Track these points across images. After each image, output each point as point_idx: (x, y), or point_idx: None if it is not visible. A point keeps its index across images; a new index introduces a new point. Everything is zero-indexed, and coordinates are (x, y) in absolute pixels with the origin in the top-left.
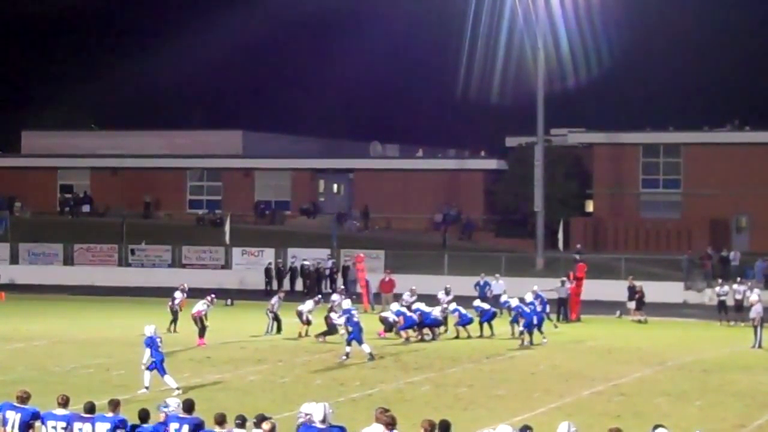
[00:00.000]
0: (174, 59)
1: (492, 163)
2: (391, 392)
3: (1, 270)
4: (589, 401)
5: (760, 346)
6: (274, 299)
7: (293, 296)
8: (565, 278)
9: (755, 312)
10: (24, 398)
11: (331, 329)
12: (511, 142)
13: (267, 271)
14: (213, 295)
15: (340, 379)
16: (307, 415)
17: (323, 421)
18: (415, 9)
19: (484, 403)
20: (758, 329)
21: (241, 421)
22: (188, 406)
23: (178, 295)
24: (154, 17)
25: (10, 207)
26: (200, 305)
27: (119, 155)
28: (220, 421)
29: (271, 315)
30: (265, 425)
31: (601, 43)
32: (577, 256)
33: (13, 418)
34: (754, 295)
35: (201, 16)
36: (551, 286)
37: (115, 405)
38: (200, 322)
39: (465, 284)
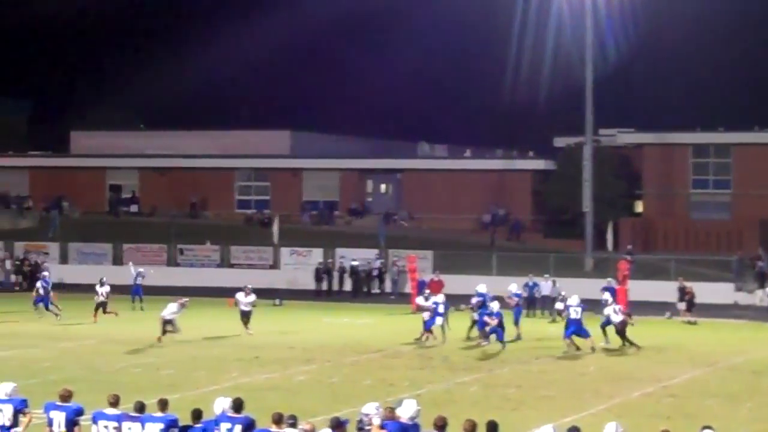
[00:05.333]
0: (222, 59)
1: (540, 164)
2: (440, 393)
3: (51, 269)
4: (639, 402)
5: None
6: None
7: (342, 296)
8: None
9: None
10: (66, 396)
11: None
12: (559, 142)
13: (317, 271)
14: (186, 299)
15: (389, 380)
16: (367, 416)
17: (412, 418)
18: (464, 7)
19: (533, 404)
20: None
21: (293, 421)
22: (237, 406)
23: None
24: (204, 16)
25: (59, 207)
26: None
27: (167, 155)
28: (278, 420)
29: None
30: (305, 425)
31: (651, 43)
32: (628, 257)
33: (58, 417)
34: None
35: (249, 14)
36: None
37: (163, 404)
38: (168, 325)
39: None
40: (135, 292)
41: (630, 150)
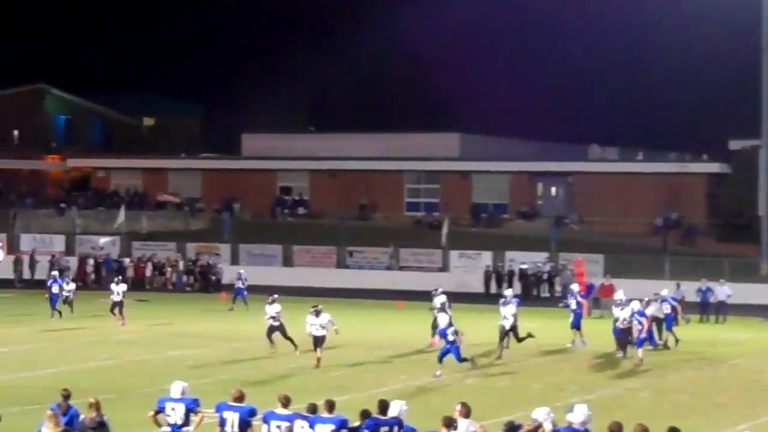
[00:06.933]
0: (392, 60)
1: (714, 167)
2: (610, 398)
3: (223, 270)
4: None
5: None
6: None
7: None
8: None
9: None
10: (239, 397)
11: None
12: (734, 145)
13: (486, 274)
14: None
15: (558, 384)
16: (536, 420)
17: (583, 423)
18: (635, 6)
19: (706, 410)
20: None
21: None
22: (384, 407)
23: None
24: (373, 18)
25: (230, 209)
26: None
27: (337, 157)
28: (448, 424)
29: None
30: (477, 428)
31: None
32: None
33: (232, 417)
34: None
35: (417, 16)
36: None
37: (330, 405)
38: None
39: (687, 289)
40: (238, 293)
41: None
